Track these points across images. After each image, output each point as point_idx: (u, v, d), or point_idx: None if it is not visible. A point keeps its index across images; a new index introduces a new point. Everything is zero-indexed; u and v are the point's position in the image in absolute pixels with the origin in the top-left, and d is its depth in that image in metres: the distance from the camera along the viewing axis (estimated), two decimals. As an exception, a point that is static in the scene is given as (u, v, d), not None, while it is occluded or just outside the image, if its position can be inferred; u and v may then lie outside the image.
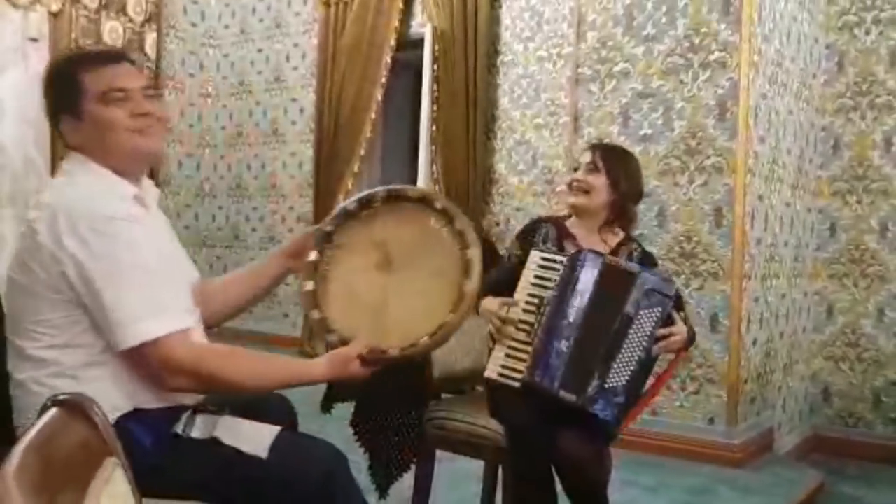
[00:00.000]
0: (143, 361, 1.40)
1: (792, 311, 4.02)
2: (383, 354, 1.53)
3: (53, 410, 0.97)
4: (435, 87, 4.63)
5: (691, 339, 2.06)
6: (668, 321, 1.98)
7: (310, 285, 1.63)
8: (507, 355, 2.03)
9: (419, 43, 4.73)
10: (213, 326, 1.71)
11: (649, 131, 3.73)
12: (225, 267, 6.14)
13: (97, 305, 1.37)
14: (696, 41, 3.61)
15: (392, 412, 2.25)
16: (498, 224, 4.43)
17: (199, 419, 1.45)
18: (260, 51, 6.04)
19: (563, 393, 1.94)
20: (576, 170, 2.27)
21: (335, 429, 2.22)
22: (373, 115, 5.05)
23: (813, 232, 4.21)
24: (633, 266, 2.07)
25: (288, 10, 5.88)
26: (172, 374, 1.40)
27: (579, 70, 3.96)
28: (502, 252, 3.00)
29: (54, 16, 4.98)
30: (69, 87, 1.48)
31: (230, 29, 6.22)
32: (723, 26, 3.54)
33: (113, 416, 1.27)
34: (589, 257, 2.04)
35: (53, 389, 1.27)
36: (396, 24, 4.94)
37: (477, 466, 2.39)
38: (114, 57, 1.54)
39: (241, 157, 6.14)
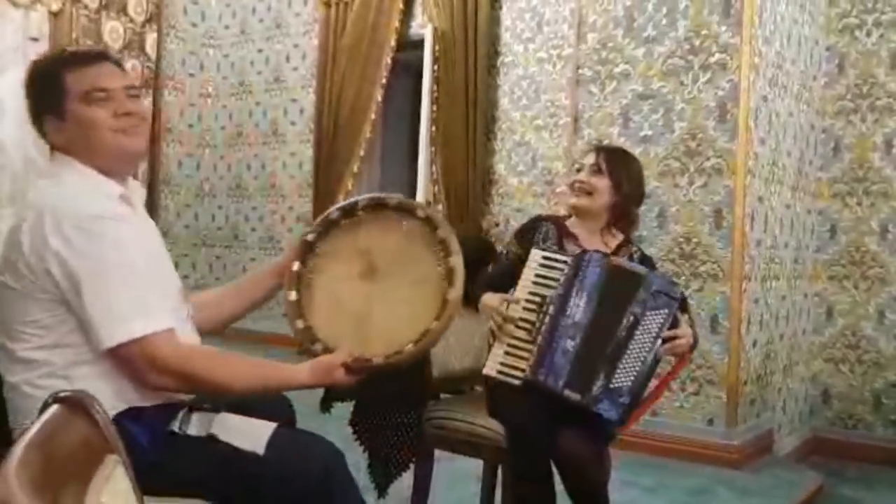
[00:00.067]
0: (128, 360, 1.39)
1: (792, 313, 4.02)
2: (367, 363, 1.53)
3: (55, 407, 0.97)
4: (435, 87, 4.63)
5: (695, 342, 2.06)
6: (673, 323, 1.98)
7: (293, 295, 1.63)
8: (507, 353, 2.02)
9: (419, 43, 4.73)
10: (208, 334, 1.71)
11: (649, 133, 3.73)
12: (224, 267, 6.14)
13: (82, 303, 1.36)
14: (697, 43, 3.62)
15: (391, 412, 2.24)
16: (497, 225, 4.43)
17: (195, 416, 1.45)
18: (260, 51, 6.04)
19: (567, 392, 1.94)
20: (578, 171, 2.26)
21: (334, 428, 2.21)
22: (373, 116, 5.05)
23: (813, 234, 4.21)
24: (639, 267, 2.07)
25: (288, 11, 5.89)
26: (159, 373, 1.39)
27: (579, 71, 3.96)
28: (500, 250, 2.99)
29: (55, 15, 4.99)
30: (52, 88, 1.47)
31: (230, 29, 6.22)
32: (723, 28, 3.54)
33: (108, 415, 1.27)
34: (594, 258, 2.04)
35: (46, 390, 1.26)
36: (397, 24, 4.94)
37: (476, 466, 2.39)
38: (96, 57, 1.53)
39: (241, 158, 6.14)
